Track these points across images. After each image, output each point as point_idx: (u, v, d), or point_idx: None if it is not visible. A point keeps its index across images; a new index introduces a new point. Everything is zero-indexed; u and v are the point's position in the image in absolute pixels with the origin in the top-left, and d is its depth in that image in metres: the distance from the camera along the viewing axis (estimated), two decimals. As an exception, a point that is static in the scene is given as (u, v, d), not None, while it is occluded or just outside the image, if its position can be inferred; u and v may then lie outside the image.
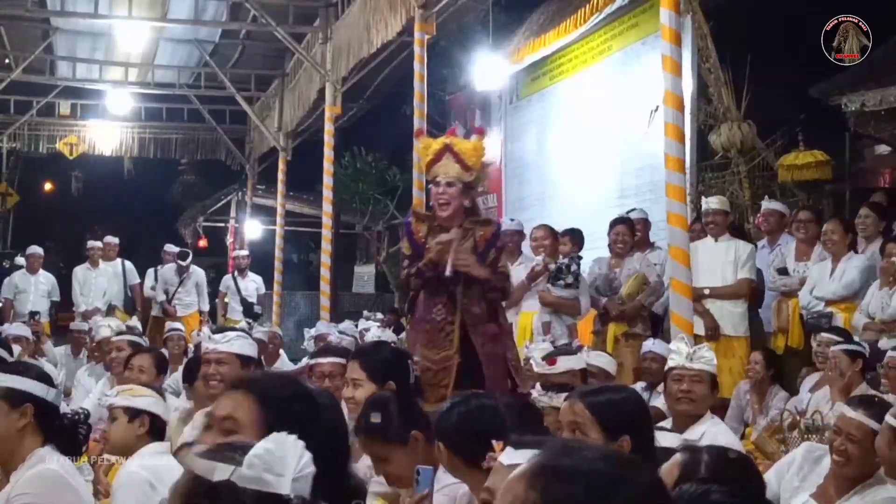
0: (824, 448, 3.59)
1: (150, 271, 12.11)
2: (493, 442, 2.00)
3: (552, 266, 6.78)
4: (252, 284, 12.12)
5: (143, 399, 3.49)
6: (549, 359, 4.95)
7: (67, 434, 2.89)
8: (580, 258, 6.97)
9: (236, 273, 12.21)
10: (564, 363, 4.90)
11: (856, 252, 6.25)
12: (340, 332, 7.61)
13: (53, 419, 2.84)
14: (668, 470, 2.36)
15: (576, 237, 7.13)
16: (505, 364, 4.66)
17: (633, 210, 7.69)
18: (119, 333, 6.49)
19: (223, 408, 2.04)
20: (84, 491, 2.76)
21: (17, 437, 2.76)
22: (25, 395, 2.80)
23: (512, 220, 7.97)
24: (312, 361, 4.83)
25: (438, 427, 2.83)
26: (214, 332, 4.31)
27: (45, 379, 2.90)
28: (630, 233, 6.98)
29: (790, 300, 6.50)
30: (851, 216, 6.89)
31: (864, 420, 3.32)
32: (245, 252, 12.61)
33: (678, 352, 4.06)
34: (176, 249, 12.34)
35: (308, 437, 1.78)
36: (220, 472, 1.46)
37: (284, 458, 1.48)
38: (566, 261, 6.86)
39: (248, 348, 4.16)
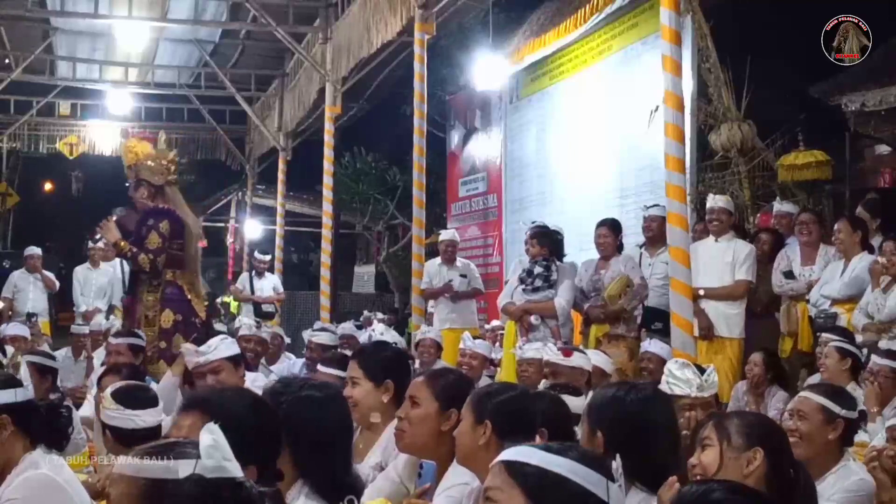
0: None
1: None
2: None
3: (535, 321, 6.75)
4: (268, 285, 12.14)
5: (105, 412, 3.35)
6: (566, 350, 5.23)
7: (50, 426, 2.87)
8: (548, 260, 6.90)
9: (254, 274, 12.21)
10: (578, 359, 5.12)
11: (871, 251, 6.08)
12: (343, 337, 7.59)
13: (31, 417, 2.82)
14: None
15: (542, 239, 6.99)
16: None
17: (654, 206, 7.26)
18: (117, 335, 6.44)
19: (183, 430, 2.15)
20: (78, 491, 2.73)
21: (3, 448, 2.75)
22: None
23: (534, 222, 7.56)
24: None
25: (495, 405, 2.73)
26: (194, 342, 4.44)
27: (10, 383, 2.85)
28: (613, 234, 6.93)
29: (798, 304, 6.35)
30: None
31: (815, 397, 3.36)
32: (267, 256, 12.56)
33: (686, 381, 3.74)
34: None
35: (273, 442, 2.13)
36: (184, 467, 1.52)
37: (226, 446, 1.55)
38: (528, 265, 6.91)
39: (233, 348, 4.36)
